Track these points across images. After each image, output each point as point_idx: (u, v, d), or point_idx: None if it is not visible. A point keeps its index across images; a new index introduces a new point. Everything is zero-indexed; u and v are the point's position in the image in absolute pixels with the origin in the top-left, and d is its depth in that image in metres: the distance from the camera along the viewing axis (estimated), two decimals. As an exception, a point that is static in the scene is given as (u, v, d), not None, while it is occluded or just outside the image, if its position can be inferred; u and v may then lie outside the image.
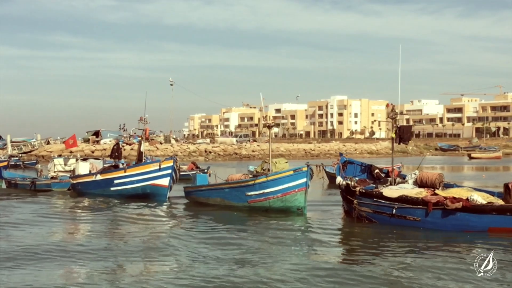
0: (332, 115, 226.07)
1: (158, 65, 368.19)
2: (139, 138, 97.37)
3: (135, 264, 16.65)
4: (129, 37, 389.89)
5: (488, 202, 21.48)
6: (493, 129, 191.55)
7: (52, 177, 40.26)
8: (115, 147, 38.93)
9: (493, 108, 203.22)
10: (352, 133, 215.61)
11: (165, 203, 31.75)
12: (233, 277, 14.62)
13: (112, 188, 34.14)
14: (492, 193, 22.99)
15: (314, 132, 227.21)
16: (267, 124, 30.12)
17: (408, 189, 23.40)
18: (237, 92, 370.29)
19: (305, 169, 26.91)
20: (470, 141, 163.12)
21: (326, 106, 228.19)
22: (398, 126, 26.14)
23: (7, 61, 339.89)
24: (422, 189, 23.14)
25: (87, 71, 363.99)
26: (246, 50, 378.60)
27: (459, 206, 21.21)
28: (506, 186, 21.89)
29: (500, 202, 21.67)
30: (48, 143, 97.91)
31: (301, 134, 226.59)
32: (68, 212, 29.53)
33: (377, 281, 14.50)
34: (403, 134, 25.97)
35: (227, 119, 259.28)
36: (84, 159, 41.60)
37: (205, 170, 45.66)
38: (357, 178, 26.18)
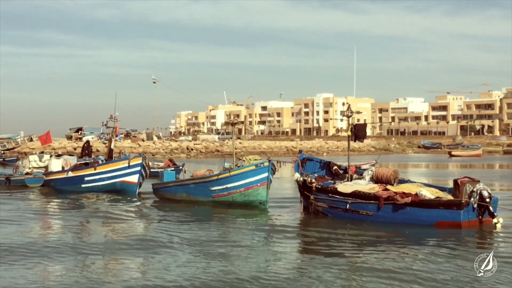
0: (318, 112, 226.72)
1: (146, 62, 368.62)
2: (121, 136, 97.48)
3: (100, 261, 16.73)
4: (117, 34, 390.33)
5: (436, 197, 22.29)
6: (478, 127, 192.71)
7: (27, 173, 40.79)
8: (85, 145, 39.63)
9: (478, 106, 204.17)
10: (337, 130, 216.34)
11: (134, 200, 32.22)
12: (197, 276, 14.68)
13: (83, 185, 34.79)
14: (443, 189, 23.79)
15: (300, 130, 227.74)
16: (230, 122, 30.76)
17: (362, 185, 24.15)
18: (224, 90, 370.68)
19: (266, 164, 27.66)
20: (454, 139, 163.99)
21: (312, 104, 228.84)
22: (354, 124, 26.93)
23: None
24: (375, 185, 23.90)
25: (75, 68, 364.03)
26: (233, 48, 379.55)
27: (408, 201, 22.02)
28: (455, 182, 22.69)
29: (449, 197, 22.47)
30: (31, 140, 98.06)
31: (287, 132, 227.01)
32: (38, 208, 29.92)
33: (332, 274, 14.90)
34: (358, 132, 26.89)
35: (214, 117, 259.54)
36: (58, 156, 42.14)
37: (180, 167, 46.49)
38: (316, 175, 26.95)
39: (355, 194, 23.31)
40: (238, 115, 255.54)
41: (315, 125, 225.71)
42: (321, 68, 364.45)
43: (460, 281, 14.17)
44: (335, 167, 27.82)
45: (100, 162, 37.10)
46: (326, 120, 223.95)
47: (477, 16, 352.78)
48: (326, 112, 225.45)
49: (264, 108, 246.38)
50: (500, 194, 35.33)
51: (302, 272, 14.85)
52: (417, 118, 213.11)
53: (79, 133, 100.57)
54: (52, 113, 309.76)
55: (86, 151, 38.84)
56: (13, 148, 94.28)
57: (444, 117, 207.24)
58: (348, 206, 23.29)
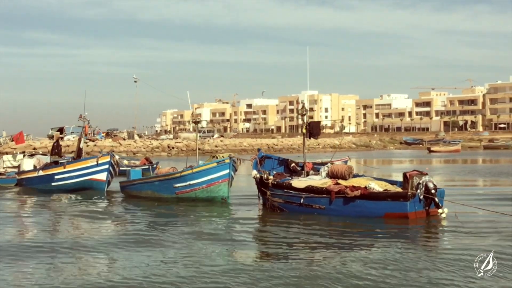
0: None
1: (134, 61, 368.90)
2: (103, 135, 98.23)
3: (65, 261, 16.41)
4: (105, 33, 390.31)
5: (384, 190, 23.16)
6: (461, 123, 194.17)
7: (0, 173, 41.38)
8: (55, 144, 40.25)
9: (461, 102, 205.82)
10: (322, 127, 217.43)
11: (102, 198, 32.77)
12: (154, 276, 14.55)
13: (53, 183, 35.37)
14: (394, 182, 24.64)
15: (285, 127, 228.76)
16: (194, 120, 31.57)
17: (315, 180, 24.96)
18: (211, 88, 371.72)
19: (227, 161, 28.56)
20: (437, 135, 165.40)
21: (297, 101, 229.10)
22: (308, 122, 27.81)
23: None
24: (327, 180, 24.72)
25: (63, 67, 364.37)
26: (221, 46, 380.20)
27: (357, 194, 22.86)
28: (404, 175, 23.51)
29: (398, 190, 23.33)
30: (13, 140, 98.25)
31: (272, 129, 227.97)
32: (7, 209, 30.06)
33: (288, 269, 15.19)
34: (312, 130, 27.72)
35: (199, 115, 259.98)
36: (31, 155, 42.76)
37: (154, 165, 47.19)
38: (274, 172, 27.80)
39: (308, 189, 24.12)
40: (223, 113, 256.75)
41: (300, 122, 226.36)
42: (310, 65, 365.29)
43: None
44: (293, 164, 28.59)
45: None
46: (311, 117, 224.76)
47: (464, 12, 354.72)
48: (311, 109, 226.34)
49: (249, 106, 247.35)
50: (456, 187, 36.57)
51: (260, 269, 14.98)
52: (401, 114, 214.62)
53: (61, 133, 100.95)
54: (38, 113, 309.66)
55: (56, 150, 39.50)
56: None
57: (427, 113, 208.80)
58: (302, 200, 24.09)
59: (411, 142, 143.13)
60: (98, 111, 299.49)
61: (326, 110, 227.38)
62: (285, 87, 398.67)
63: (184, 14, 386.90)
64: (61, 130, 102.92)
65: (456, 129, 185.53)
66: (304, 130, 27.61)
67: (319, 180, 24.81)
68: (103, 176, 34.32)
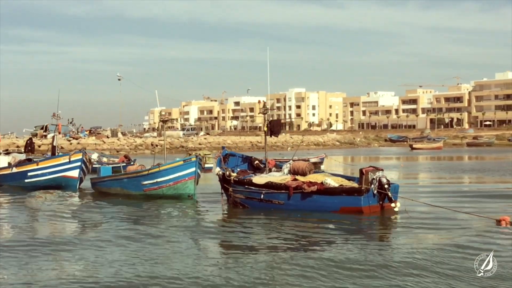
0: (290, 107, 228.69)
1: (122, 58, 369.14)
2: (86, 133, 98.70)
3: (31, 260, 16.18)
4: (93, 30, 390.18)
5: (340, 185, 23.92)
6: (447, 120, 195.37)
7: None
8: (28, 141, 40.89)
9: (447, 100, 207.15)
10: (310, 125, 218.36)
11: (73, 195, 33.11)
12: (120, 274, 14.45)
13: (26, 180, 35.95)
14: (352, 178, 25.44)
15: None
16: (162, 119, 32.24)
17: (275, 176, 25.69)
18: (199, 85, 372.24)
19: (193, 159, 29.32)
20: (423, 132, 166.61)
21: (284, 99, 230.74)
22: (269, 120, 28.56)
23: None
24: (286, 176, 25.46)
25: (51, 65, 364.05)
26: (209, 43, 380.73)
27: (314, 189, 23.60)
28: (360, 171, 24.26)
29: (355, 185, 24.10)
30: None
31: (259, 127, 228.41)
32: None
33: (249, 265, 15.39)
34: (273, 128, 28.44)
35: (187, 113, 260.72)
36: (7, 153, 43.30)
37: (132, 163, 47.84)
38: (238, 169, 28.54)
39: (268, 185, 24.83)
40: (211, 111, 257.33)
41: (288, 120, 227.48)
42: (295, 62, 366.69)
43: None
44: (256, 161, 29.27)
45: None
46: (298, 115, 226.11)
47: (452, 9, 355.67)
48: (298, 107, 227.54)
49: (237, 103, 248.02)
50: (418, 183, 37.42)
51: (223, 266, 15.11)
52: (388, 112, 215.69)
53: (45, 131, 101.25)
54: (26, 110, 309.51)
55: (29, 148, 40.21)
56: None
57: (414, 111, 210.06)
58: (262, 196, 24.79)
59: (396, 140, 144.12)
60: (86, 109, 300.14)
61: (314, 107, 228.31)
62: (272, 84, 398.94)
63: (172, 11, 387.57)
64: (44, 128, 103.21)
65: (442, 127, 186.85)
66: (265, 129, 28.31)
67: (278, 177, 25.54)
68: (75, 174, 34.97)
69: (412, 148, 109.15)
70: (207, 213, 25.63)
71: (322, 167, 54.54)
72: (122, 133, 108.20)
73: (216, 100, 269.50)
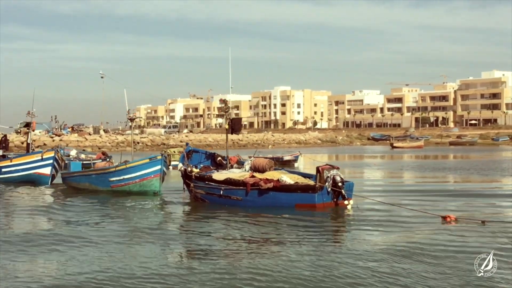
0: (275, 105, 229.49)
1: (109, 56, 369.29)
2: (69, 130, 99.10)
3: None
4: (81, 28, 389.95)
5: (295, 182, 24.75)
6: (432, 119, 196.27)
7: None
8: (2, 138, 41.64)
9: (432, 98, 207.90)
10: (295, 123, 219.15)
11: (45, 192, 33.59)
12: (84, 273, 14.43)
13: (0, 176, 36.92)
14: (310, 176, 26.25)
15: (258, 123, 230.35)
16: (129, 117, 33.03)
17: (235, 173, 26.53)
18: (186, 83, 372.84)
19: (159, 157, 30.17)
20: (407, 130, 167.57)
21: (270, 97, 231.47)
22: (231, 119, 29.37)
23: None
24: (245, 173, 26.29)
25: (39, 62, 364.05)
26: (196, 41, 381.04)
27: (270, 186, 24.41)
28: (317, 169, 25.08)
29: (311, 182, 24.92)
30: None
31: (245, 125, 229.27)
32: None
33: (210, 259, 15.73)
34: (234, 126, 29.21)
35: (173, 110, 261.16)
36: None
37: (107, 160, 48.58)
38: (202, 165, 29.38)
39: (227, 181, 25.64)
40: (196, 109, 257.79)
41: (273, 118, 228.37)
42: (282, 60, 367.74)
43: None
44: (219, 158, 30.09)
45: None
46: (283, 113, 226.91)
47: (442, 7, 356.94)
48: (283, 105, 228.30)
49: (222, 101, 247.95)
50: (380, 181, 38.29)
51: (182, 267, 14.96)
52: (373, 110, 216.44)
53: (28, 128, 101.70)
54: (14, 108, 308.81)
55: (3, 145, 41.06)
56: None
57: (399, 109, 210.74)
58: (221, 192, 25.58)
59: (379, 138, 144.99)
60: (73, 106, 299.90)
61: (299, 106, 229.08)
62: (258, 82, 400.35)
63: (160, 9, 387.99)
64: (28, 125, 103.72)
65: (427, 125, 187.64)
66: (226, 126, 29.11)
67: (237, 173, 26.37)
68: (47, 170, 35.90)
69: (393, 147, 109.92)
70: (170, 210, 26.23)
71: (296, 164, 55.45)
72: (104, 130, 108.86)
73: (202, 98, 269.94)
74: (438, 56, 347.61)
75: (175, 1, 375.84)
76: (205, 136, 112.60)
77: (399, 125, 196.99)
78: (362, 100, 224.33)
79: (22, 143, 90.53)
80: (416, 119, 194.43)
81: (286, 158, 56.79)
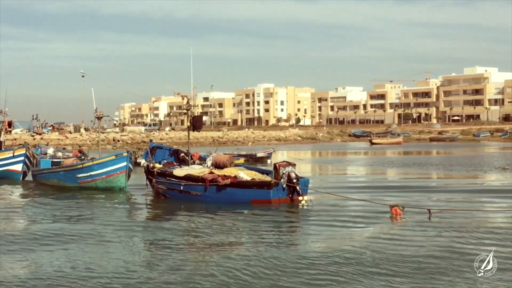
0: (258, 103, 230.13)
1: (94, 54, 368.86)
2: (49, 128, 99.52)
3: None
4: (66, 27, 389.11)
5: (252, 179, 25.58)
6: (415, 115, 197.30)
7: None
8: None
9: (415, 95, 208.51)
10: (278, 120, 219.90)
11: (15, 188, 34.29)
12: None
13: (-28, 173, 37.57)
14: (268, 172, 27.09)
15: (242, 120, 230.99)
16: (96, 116, 33.77)
17: (195, 169, 27.34)
18: (170, 81, 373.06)
19: (125, 154, 31.01)
20: (389, 127, 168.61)
21: (253, 94, 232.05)
22: (192, 116, 30.19)
23: None
24: (205, 169, 27.11)
25: (24, 61, 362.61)
26: (181, 39, 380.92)
27: (227, 182, 25.24)
28: (274, 165, 25.97)
29: (268, 179, 25.74)
30: None
31: (228, 122, 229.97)
32: None
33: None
34: (195, 123, 30.04)
35: (157, 108, 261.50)
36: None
37: (82, 157, 49.24)
38: (165, 161, 30.19)
39: (187, 177, 26.48)
40: (180, 106, 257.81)
41: (256, 115, 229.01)
42: (265, 57, 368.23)
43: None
44: (182, 154, 30.88)
45: None
46: (266, 110, 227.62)
47: (426, 4, 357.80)
48: (266, 102, 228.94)
49: (206, 99, 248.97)
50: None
51: (143, 264, 15.09)
52: (356, 107, 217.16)
53: (9, 126, 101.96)
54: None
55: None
56: None
57: (382, 106, 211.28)
58: (182, 188, 26.44)
59: (360, 135, 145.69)
60: (58, 104, 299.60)
61: (282, 103, 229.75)
62: (242, 80, 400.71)
63: (146, 7, 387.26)
64: (9, 124, 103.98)
65: (410, 122, 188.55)
66: (188, 124, 29.88)
67: (197, 169, 27.20)
68: (18, 167, 36.70)
69: (372, 143, 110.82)
70: (132, 206, 26.93)
71: (269, 161, 56.22)
72: (85, 128, 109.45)
73: (186, 96, 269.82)
74: (423, 52, 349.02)
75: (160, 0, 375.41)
76: (185, 134, 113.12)
77: (382, 121, 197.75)
78: (345, 97, 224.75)
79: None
80: (399, 116, 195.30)
81: (260, 155, 57.63)
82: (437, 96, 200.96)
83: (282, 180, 24.77)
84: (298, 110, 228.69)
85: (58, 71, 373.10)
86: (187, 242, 17.77)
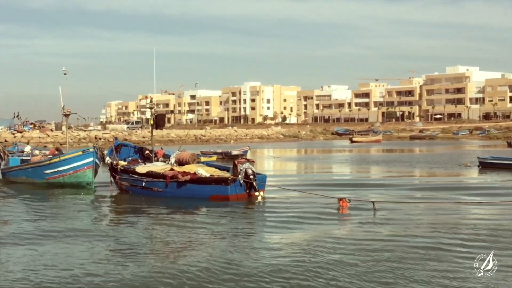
0: (245, 101, 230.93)
1: (81, 51, 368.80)
2: (30, 126, 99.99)
3: None
4: (53, 23, 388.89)
5: (211, 175, 26.45)
6: (398, 114, 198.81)
7: None
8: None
9: (399, 93, 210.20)
10: (264, 118, 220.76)
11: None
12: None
13: None
14: (227, 169, 28.00)
15: (228, 118, 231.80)
16: (64, 113, 34.47)
17: (157, 166, 28.18)
18: (157, 78, 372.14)
19: (91, 150, 31.77)
20: (373, 125, 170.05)
21: (239, 92, 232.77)
22: (155, 115, 31.02)
23: None
24: (167, 166, 27.96)
25: (10, 58, 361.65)
26: (169, 36, 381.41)
27: (187, 178, 26.12)
28: (233, 163, 26.85)
29: (227, 175, 26.62)
30: None
31: (215, 120, 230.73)
32: None
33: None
34: (158, 121, 30.87)
35: (144, 106, 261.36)
36: None
37: (59, 156, 49.94)
38: (130, 158, 31.01)
39: (149, 174, 27.35)
40: (167, 104, 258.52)
41: (243, 113, 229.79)
42: (254, 55, 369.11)
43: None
44: (147, 151, 31.69)
45: None
46: (253, 108, 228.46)
47: (414, 2, 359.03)
48: (253, 100, 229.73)
49: (192, 97, 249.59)
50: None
51: (105, 263, 15.08)
52: (341, 105, 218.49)
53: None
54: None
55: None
56: None
57: (366, 104, 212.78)
58: (144, 184, 27.30)
59: (342, 133, 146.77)
60: (44, 102, 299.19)
61: (268, 101, 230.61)
62: (229, 78, 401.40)
63: (133, 4, 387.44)
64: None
65: (393, 120, 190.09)
66: (151, 122, 30.70)
67: (159, 166, 28.04)
68: None
69: (352, 141, 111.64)
70: (96, 203, 27.39)
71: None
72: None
73: (173, 94, 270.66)
74: (410, 51, 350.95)
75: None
76: (168, 131, 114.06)
77: (366, 119, 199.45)
78: (330, 96, 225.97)
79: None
80: (383, 114, 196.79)
81: (235, 153, 58.42)
82: (420, 95, 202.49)
83: (239, 176, 25.67)
84: (284, 108, 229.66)
85: (42, 68, 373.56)
86: (147, 241, 17.85)
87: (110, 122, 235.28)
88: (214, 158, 48.99)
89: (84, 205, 26.98)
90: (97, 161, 31.84)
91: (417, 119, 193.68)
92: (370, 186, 32.32)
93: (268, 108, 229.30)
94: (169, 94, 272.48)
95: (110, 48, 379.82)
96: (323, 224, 20.11)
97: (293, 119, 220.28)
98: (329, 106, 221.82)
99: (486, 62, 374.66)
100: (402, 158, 58.86)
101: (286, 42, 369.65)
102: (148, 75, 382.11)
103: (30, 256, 15.74)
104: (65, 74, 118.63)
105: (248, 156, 59.69)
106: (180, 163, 28.65)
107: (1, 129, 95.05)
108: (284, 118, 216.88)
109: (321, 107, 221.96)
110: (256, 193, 25.78)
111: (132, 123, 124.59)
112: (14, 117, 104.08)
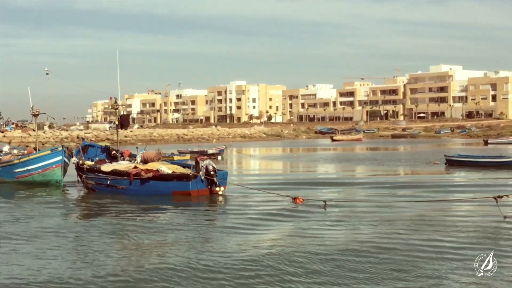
0: (231, 100, 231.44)
1: (69, 50, 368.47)
2: (13, 126, 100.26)
3: None
4: (41, 22, 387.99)
5: (173, 172, 27.25)
6: (382, 113, 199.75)
7: None
8: None
9: (383, 92, 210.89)
10: (250, 117, 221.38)
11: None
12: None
13: None
14: (189, 166, 28.89)
15: (214, 117, 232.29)
16: (33, 113, 35.12)
17: (122, 165, 28.97)
18: (144, 78, 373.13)
19: (60, 148, 32.57)
20: (357, 124, 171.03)
21: (225, 92, 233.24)
22: (120, 115, 31.80)
23: None
24: (131, 164, 28.75)
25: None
26: (158, 35, 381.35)
27: (150, 175, 26.95)
28: (196, 160, 27.65)
29: (189, 171, 27.43)
30: None
31: (201, 120, 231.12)
32: None
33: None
34: (123, 122, 31.67)
35: (130, 105, 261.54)
36: None
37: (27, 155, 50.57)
38: (97, 158, 31.79)
39: (113, 172, 28.17)
40: (153, 104, 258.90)
41: (228, 112, 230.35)
42: (240, 54, 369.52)
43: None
44: (114, 151, 32.46)
45: None
46: (239, 108, 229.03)
47: (402, 2, 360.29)
48: (238, 99, 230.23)
49: (178, 96, 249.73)
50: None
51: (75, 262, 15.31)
52: (326, 104, 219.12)
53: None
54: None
55: None
56: None
57: (351, 103, 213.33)
58: (108, 182, 28.12)
59: (325, 132, 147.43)
60: (25, 102, 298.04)
61: (254, 100, 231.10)
62: (215, 77, 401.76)
63: (122, 3, 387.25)
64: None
65: (378, 119, 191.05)
66: (116, 122, 31.48)
67: (124, 165, 28.83)
68: None
69: (333, 140, 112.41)
70: (63, 202, 27.86)
71: (220, 158, 57.90)
72: (49, 126, 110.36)
73: (160, 93, 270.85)
74: (396, 50, 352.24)
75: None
76: (150, 131, 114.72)
77: (351, 118, 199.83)
78: (315, 94, 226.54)
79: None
80: (367, 113, 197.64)
81: (211, 151, 59.14)
82: (404, 94, 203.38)
83: (201, 172, 26.49)
84: (270, 107, 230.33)
85: (28, 67, 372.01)
86: (112, 240, 17.90)
87: (96, 122, 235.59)
88: (187, 157, 49.67)
89: (51, 203, 26.94)
90: (66, 159, 32.56)
91: (401, 117, 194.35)
92: (325, 185, 32.95)
93: (254, 107, 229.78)
94: (156, 93, 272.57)
95: (98, 47, 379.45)
96: (278, 222, 20.66)
97: (278, 118, 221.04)
98: (314, 105, 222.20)
99: (469, 61, 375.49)
100: (375, 156, 59.78)
101: (272, 41, 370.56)
102: (136, 74, 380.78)
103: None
104: (47, 74, 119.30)
105: (225, 155, 60.63)
106: (146, 162, 29.44)
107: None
108: (269, 117, 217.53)
109: (306, 106, 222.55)
110: (217, 189, 26.67)
111: (114, 123, 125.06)
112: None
